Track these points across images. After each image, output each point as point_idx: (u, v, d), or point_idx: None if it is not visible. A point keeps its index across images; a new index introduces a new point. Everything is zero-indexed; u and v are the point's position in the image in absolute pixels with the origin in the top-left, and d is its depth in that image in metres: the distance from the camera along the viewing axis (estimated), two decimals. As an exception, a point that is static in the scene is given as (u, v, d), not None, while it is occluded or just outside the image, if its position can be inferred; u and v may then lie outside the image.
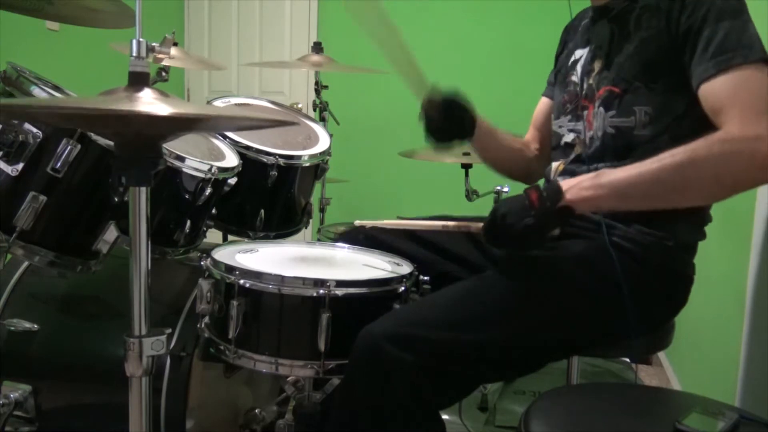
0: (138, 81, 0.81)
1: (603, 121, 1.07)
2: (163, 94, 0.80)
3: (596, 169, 1.08)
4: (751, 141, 0.88)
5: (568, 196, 0.95)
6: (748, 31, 0.94)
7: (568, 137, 1.17)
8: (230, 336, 1.04)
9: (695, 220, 1.08)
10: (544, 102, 1.37)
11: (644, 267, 1.04)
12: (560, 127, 1.20)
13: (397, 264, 1.20)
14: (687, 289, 1.11)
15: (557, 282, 1.03)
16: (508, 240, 0.99)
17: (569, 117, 1.17)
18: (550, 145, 1.28)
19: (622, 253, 1.04)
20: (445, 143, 1.23)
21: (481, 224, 1.03)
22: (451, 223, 1.12)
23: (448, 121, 1.21)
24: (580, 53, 1.18)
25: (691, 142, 0.90)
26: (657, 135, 1.03)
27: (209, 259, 1.13)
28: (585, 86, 1.13)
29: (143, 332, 0.85)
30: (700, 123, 0.95)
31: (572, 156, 1.15)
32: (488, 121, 1.30)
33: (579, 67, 1.16)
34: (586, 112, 1.12)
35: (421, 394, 0.91)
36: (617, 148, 1.06)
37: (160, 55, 1.44)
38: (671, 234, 1.04)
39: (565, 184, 0.97)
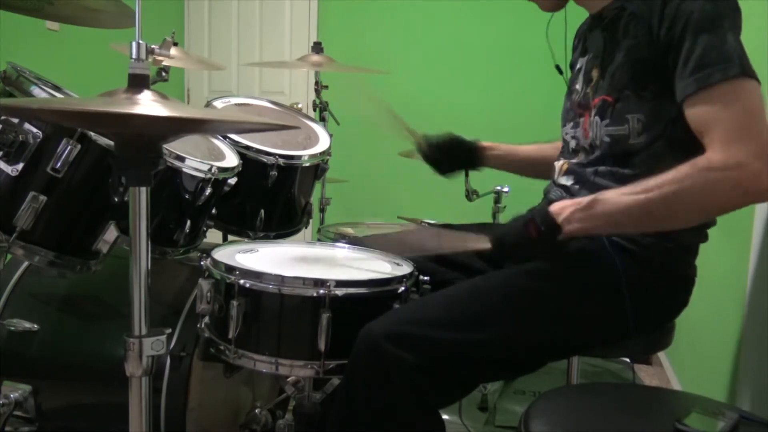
0: (138, 83, 0.81)
1: (599, 130, 1.07)
2: (163, 97, 0.80)
3: (597, 171, 1.08)
4: (732, 170, 0.89)
5: (565, 228, 0.97)
6: (727, 43, 0.92)
7: (572, 144, 1.17)
8: (230, 336, 1.04)
9: None
10: None
11: (645, 268, 1.04)
12: (566, 134, 1.20)
13: (397, 264, 1.20)
14: (688, 290, 1.11)
15: (557, 282, 1.03)
16: (512, 264, 1.07)
17: (571, 124, 1.17)
18: None
19: (622, 253, 1.04)
20: (451, 175, 1.40)
21: (480, 243, 1.06)
22: (447, 247, 1.17)
23: (448, 160, 1.35)
24: (582, 62, 1.17)
25: (681, 157, 0.92)
26: (653, 141, 1.02)
27: (209, 259, 1.13)
28: (582, 94, 1.14)
29: (143, 332, 0.85)
30: None
31: (575, 160, 1.16)
32: (503, 145, 1.38)
33: (581, 76, 1.16)
34: (582, 120, 1.13)
35: (421, 394, 0.91)
36: (616, 156, 1.06)
37: (160, 57, 1.44)
38: (672, 235, 1.04)
39: (559, 214, 0.98)
